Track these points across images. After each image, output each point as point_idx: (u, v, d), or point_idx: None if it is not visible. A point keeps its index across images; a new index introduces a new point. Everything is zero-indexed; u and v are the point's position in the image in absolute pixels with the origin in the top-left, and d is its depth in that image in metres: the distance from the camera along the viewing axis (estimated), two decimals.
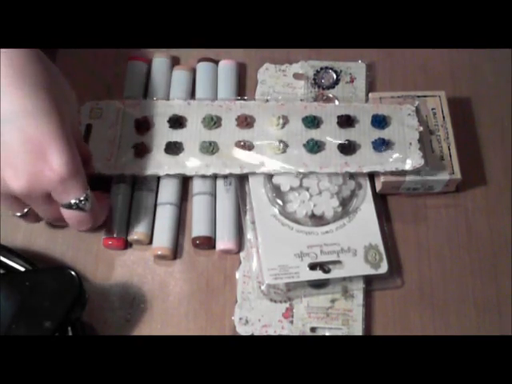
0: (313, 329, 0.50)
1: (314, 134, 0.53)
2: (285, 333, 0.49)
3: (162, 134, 0.53)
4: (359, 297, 0.50)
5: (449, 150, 0.53)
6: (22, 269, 0.48)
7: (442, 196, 0.55)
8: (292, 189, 0.52)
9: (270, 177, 0.53)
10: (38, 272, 0.48)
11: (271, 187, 0.52)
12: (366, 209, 0.52)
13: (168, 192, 0.53)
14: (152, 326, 0.50)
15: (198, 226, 0.52)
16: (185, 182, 0.54)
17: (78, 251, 0.52)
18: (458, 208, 0.55)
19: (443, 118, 0.55)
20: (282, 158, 0.52)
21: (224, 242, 0.52)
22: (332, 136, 0.53)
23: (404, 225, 0.54)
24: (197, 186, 0.54)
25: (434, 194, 0.54)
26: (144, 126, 0.53)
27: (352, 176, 0.53)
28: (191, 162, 0.52)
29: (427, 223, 0.54)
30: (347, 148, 0.52)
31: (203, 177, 0.53)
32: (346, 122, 0.53)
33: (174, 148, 0.52)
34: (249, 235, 0.52)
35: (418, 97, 0.55)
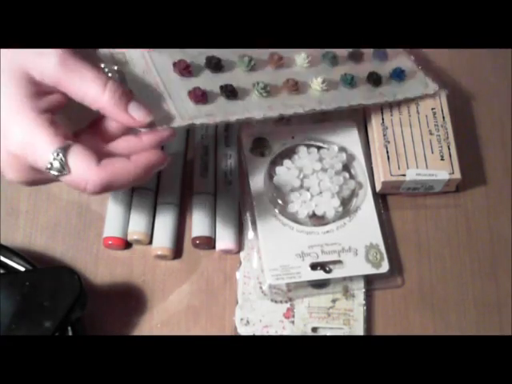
0: (314, 329, 0.50)
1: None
2: (286, 333, 0.49)
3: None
4: (360, 296, 0.50)
5: (449, 149, 0.53)
6: (22, 269, 0.48)
7: (442, 196, 0.55)
8: (293, 189, 0.52)
9: (270, 177, 0.53)
10: (38, 272, 0.48)
11: (272, 187, 0.52)
12: (367, 208, 0.52)
13: (168, 192, 0.53)
14: (152, 325, 0.50)
15: (197, 226, 0.52)
16: (185, 181, 0.54)
17: (77, 251, 0.52)
18: (458, 208, 0.55)
19: (443, 117, 0.55)
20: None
21: (224, 242, 0.52)
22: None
23: (404, 225, 0.54)
24: (197, 185, 0.54)
25: (434, 194, 0.54)
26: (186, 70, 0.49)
27: (352, 175, 0.53)
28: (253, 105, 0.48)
29: (427, 223, 0.54)
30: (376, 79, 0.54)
31: (203, 176, 0.53)
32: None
33: (228, 92, 0.48)
34: (249, 235, 0.52)
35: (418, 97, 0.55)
